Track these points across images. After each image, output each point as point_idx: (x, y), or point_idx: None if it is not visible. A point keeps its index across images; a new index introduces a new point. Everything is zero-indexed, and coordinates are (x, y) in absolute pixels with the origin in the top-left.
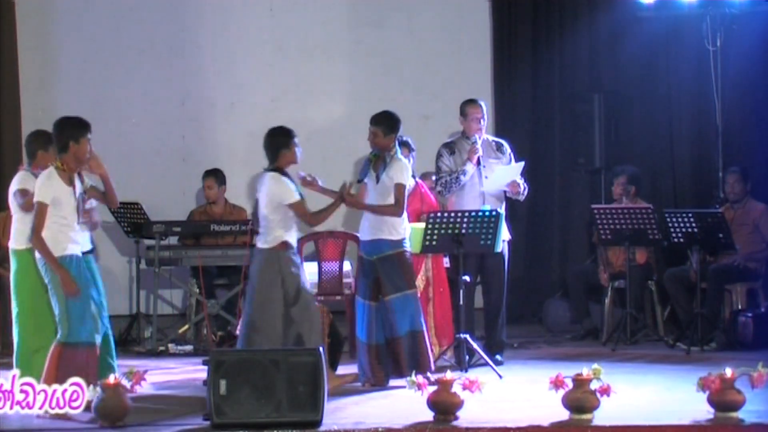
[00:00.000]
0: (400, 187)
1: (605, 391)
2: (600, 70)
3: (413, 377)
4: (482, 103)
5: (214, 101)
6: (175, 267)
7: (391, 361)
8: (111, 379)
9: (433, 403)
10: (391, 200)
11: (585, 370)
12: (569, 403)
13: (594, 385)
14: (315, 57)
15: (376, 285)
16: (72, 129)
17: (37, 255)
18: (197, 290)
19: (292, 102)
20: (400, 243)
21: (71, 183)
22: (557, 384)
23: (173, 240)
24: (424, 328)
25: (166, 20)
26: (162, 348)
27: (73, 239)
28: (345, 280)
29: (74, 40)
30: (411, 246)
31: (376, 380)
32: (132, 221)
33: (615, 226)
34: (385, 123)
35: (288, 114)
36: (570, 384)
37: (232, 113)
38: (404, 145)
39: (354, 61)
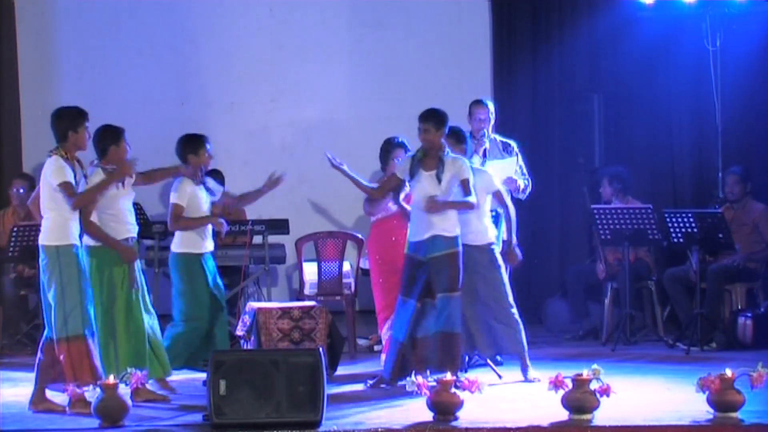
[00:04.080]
0: (466, 183)
1: (605, 391)
2: (599, 70)
3: (413, 377)
4: (488, 103)
5: (214, 101)
6: None
7: (417, 359)
8: (110, 379)
9: (432, 404)
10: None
11: (585, 370)
12: (569, 403)
13: (594, 386)
14: (314, 57)
15: (427, 285)
16: (70, 118)
17: (48, 245)
18: None
19: (292, 102)
20: (455, 241)
21: (74, 173)
22: (557, 384)
23: (171, 240)
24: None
25: (166, 20)
26: None
27: (76, 228)
28: (344, 281)
29: (74, 40)
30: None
31: (391, 380)
32: None
33: (615, 227)
34: (434, 119)
35: (287, 114)
36: (570, 384)
37: (231, 113)
38: (400, 145)
39: (353, 62)
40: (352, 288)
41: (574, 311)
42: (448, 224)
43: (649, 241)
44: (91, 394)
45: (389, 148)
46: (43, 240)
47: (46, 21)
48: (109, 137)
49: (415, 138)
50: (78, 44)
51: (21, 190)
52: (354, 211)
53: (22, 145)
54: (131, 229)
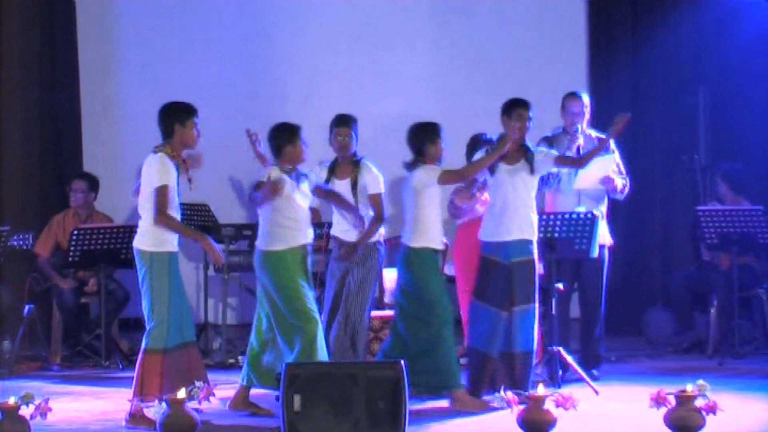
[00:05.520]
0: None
1: (711, 408)
2: (705, 59)
3: (503, 393)
4: (583, 96)
5: (287, 95)
6: (246, 273)
7: (502, 375)
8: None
9: (524, 421)
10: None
11: (689, 385)
12: (672, 421)
13: (699, 403)
14: (395, 46)
15: (509, 293)
16: (179, 112)
17: (143, 249)
18: None
19: (371, 96)
20: (532, 247)
21: (176, 170)
22: (659, 401)
23: (243, 244)
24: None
25: (236, 8)
26: (231, 360)
27: (174, 235)
28: None
29: (136, 32)
30: None
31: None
32: (199, 224)
33: (722, 230)
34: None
35: (365, 109)
36: (673, 401)
37: (306, 107)
38: (488, 142)
39: (437, 51)
40: None
41: (677, 322)
42: (528, 227)
43: (759, 246)
44: (157, 409)
45: (477, 145)
46: (138, 243)
47: (108, 11)
48: (285, 136)
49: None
50: (141, 36)
51: (80, 192)
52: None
53: (81, 144)
54: (309, 235)
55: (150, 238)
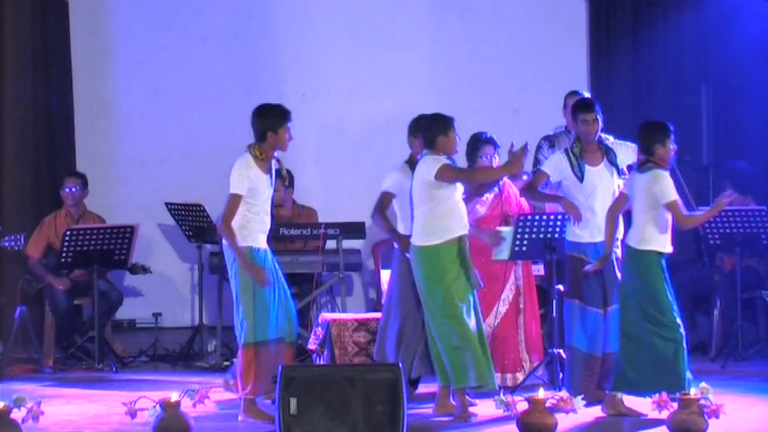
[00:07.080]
0: None
1: (714, 411)
2: (708, 58)
3: (502, 396)
4: (585, 94)
5: (283, 93)
6: None
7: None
8: (172, 396)
9: (523, 425)
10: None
11: (692, 388)
12: (674, 425)
13: (702, 405)
14: (394, 44)
15: (603, 292)
16: (272, 118)
17: (224, 244)
18: None
19: (368, 94)
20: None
21: (268, 171)
22: (661, 404)
23: None
24: None
25: (232, 5)
26: (227, 363)
27: (263, 231)
28: None
29: (130, 29)
30: (499, 251)
31: (597, 396)
32: (194, 224)
33: (725, 230)
34: None
35: (363, 107)
36: (675, 404)
37: (302, 106)
38: (488, 141)
39: (435, 49)
40: None
41: None
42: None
43: (763, 247)
44: (152, 412)
45: (477, 144)
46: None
47: (101, 8)
48: (438, 127)
49: (503, 133)
50: (135, 34)
51: (74, 190)
52: None
53: (74, 143)
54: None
55: (240, 233)
